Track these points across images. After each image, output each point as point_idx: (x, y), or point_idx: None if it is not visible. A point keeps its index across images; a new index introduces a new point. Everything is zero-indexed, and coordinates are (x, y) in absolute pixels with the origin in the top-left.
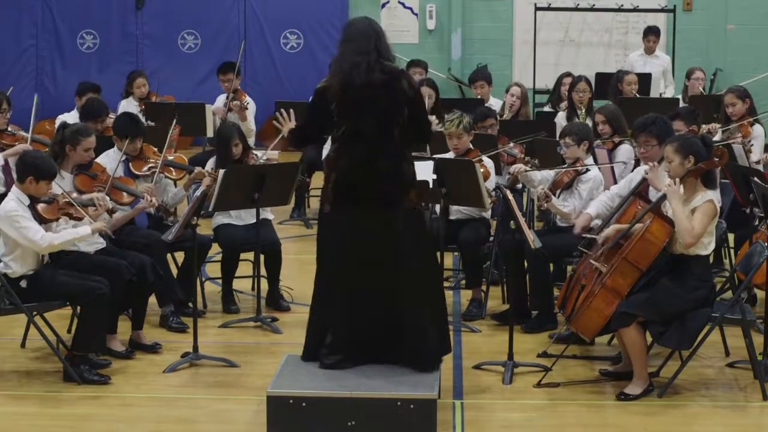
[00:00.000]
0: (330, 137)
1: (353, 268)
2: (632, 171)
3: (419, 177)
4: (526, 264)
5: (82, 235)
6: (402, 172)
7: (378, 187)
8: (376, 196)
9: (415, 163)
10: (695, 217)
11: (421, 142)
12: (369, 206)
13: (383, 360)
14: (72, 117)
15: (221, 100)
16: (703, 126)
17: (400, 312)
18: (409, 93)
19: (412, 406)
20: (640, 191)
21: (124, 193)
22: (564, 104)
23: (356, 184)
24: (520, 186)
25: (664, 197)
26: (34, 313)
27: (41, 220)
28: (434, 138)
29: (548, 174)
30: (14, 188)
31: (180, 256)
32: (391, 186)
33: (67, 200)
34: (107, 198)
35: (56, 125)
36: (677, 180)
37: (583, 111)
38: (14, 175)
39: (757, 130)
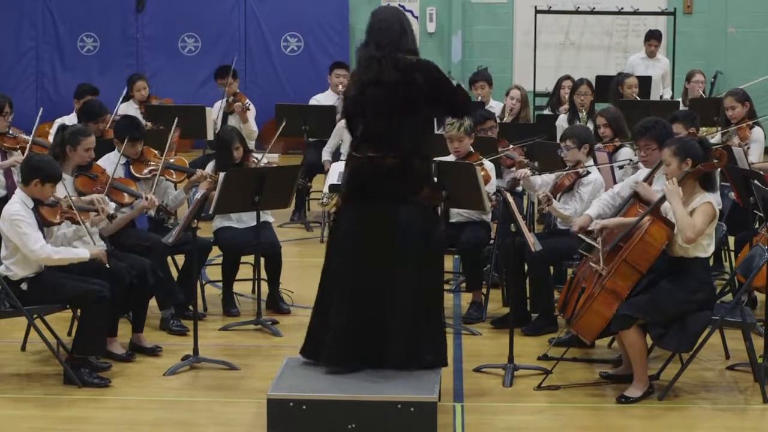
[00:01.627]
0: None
1: (356, 266)
2: (633, 173)
3: None
4: (526, 267)
5: (80, 257)
6: (413, 169)
7: (386, 184)
8: (384, 193)
9: None
10: (695, 216)
11: (461, 118)
12: (377, 203)
13: (378, 365)
14: (70, 120)
15: (219, 105)
16: (702, 129)
17: (395, 313)
18: (424, 86)
19: (412, 409)
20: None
21: (125, 194)
22: (564, 107)
23: (365, 181)
24: (520, 189)
25: (663, 199)
26: (35, 315)
27: (44, 222)
28: (435, 140)
29: (548, 177)
30: (18, 191)
31: (180, 258)
32: (398, 183)
33: (69, 204)
34: (107, 199)
35: (54, 128)
36: (674, 180)
37: (585, 114)
38: (15, 178)
39: (757, 133)
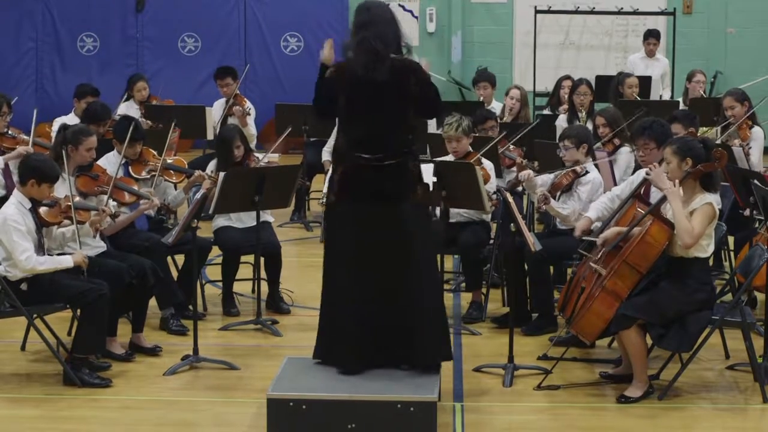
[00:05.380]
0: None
1: (359, 263)
2: (632, 174)
3: None
4: (526, 267)
5: (64, 266)
6: (408, 169)
7: (384, 184)
8: (382, 192)
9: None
10: (694, 218)
11: (431, 117)
12: (374, 201)
13: (389, 362)
14: (70, 120)
15: (219, 105)
16: (702, 129)
17: (404, 311)
18: (414, 90)
19: (412, 409)
20: (640, 194)
21: (126, 193)
22: (563, 107)
23: (363, 180)
24: (520, 189)
25: (663, 199)
26: (34, 315)
27: (43, 223)
28: (435, 141)
29: (548, 177)
30: (15, 192)
31: (180, 258)
32: (396, 183)
33: (69, 204)
34: (111, 202)
35: (53, 128)
36: (677, 182)
37: (584, 114)
38: (14, 179)
39: (757, 132)
